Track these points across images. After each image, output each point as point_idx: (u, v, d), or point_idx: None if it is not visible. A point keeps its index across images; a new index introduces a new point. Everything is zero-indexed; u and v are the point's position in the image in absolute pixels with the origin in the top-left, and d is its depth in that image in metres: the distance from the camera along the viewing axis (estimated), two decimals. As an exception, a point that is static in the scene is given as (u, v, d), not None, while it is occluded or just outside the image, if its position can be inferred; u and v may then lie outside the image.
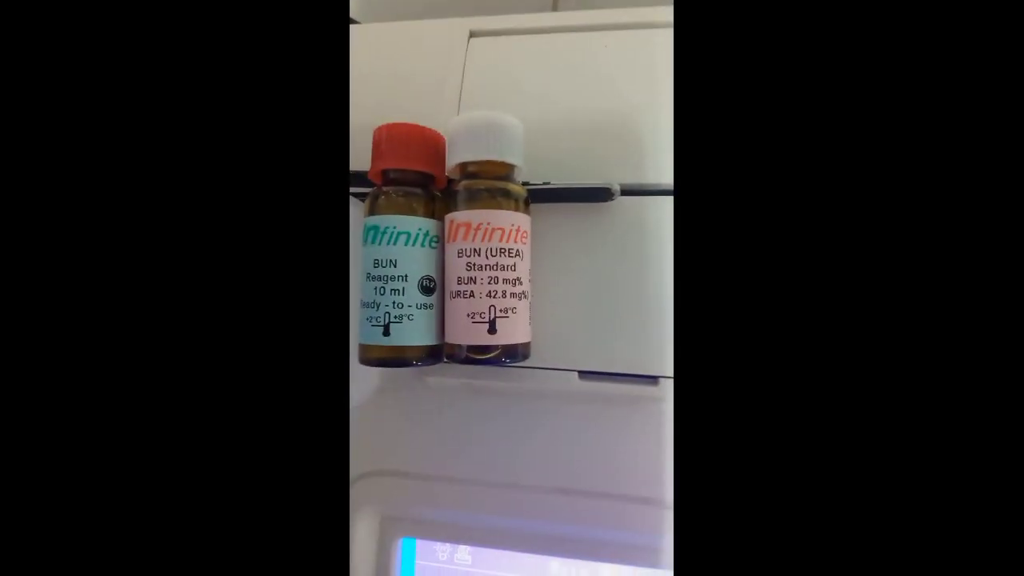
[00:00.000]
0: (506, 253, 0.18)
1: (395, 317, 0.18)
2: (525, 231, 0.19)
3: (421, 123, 0.20)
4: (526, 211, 0.19)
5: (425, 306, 0.19)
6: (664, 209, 0.21)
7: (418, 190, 0.19)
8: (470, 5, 0.36)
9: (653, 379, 0.20)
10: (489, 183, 0.19)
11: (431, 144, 0.20)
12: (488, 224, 0.18)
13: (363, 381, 0.22)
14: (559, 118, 0.22)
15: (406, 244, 0.18)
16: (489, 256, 0.18)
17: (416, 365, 0.19)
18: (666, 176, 0.21)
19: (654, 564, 0.21)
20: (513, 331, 0.18)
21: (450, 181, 0.20)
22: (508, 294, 0.18)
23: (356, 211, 0.20)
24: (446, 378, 0.22)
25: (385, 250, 0.18)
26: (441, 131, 0.20)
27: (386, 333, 0.18)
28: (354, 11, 0.30)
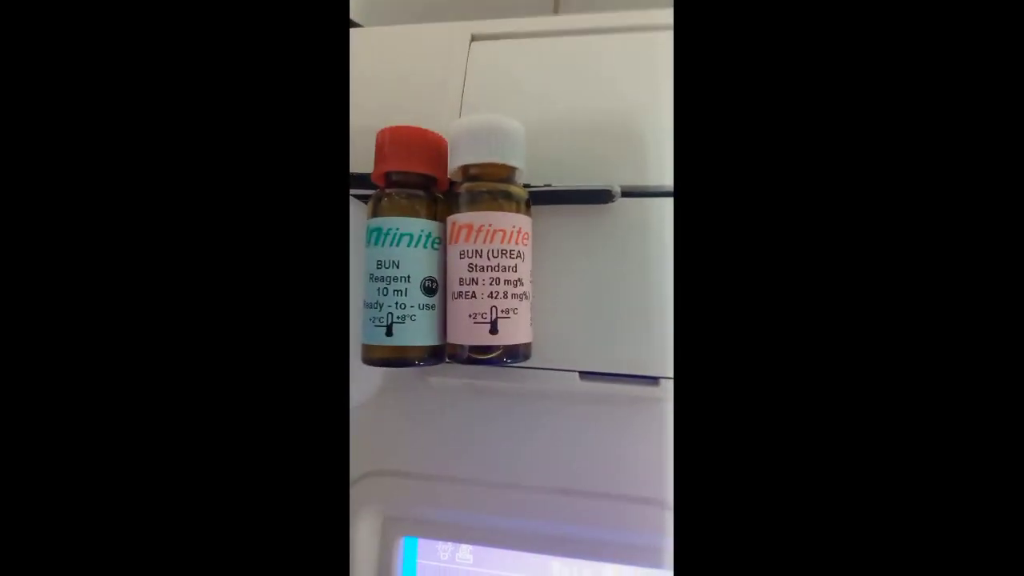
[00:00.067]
0: (507, 254, 0.18)
1: (398, 317, 0.18)
2: (526, 233, 0.19)
3: (423, 126, 0.20)
4: (527, 213, 0.19)
5: (427, 307, 0.19)
6: (664, 210, 0.21)
7: (420, 192, 0.20)
8: (471, 8, 0.36)
9: (654, 380, 0.20)
10: (491, 185, 0.19)
11: (433, 147, 0.20)
12: (490, 226, 0.18)
13: (365, 381, 0.23)
14: (560, 121, 0.22)
15: (409, 245, 0.19)
16: (491, 257, 0.18)
17: (418, 365, 0.19)
18: (666, 178, 0.21)
19: (655, 564, 0.21)
20: (515, 332, 0.18)
21: (452, 183, 0.21)
22: (510, 295, 0.18)
23: (359, 213, 0.20)
24: (448, 378, 0.22)
25: (388, 251, 0.19)
26: (443, 134, 0.20)
27: (389, 333, 0.18)
28: (357, 15, 0.31)
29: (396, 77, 0.24)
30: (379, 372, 0.23)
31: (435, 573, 0.23)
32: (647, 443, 0.20)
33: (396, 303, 0.18)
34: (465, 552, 0.23)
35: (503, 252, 0.18)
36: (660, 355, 0.20)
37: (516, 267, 0.19)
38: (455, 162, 0.19)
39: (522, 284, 0.19)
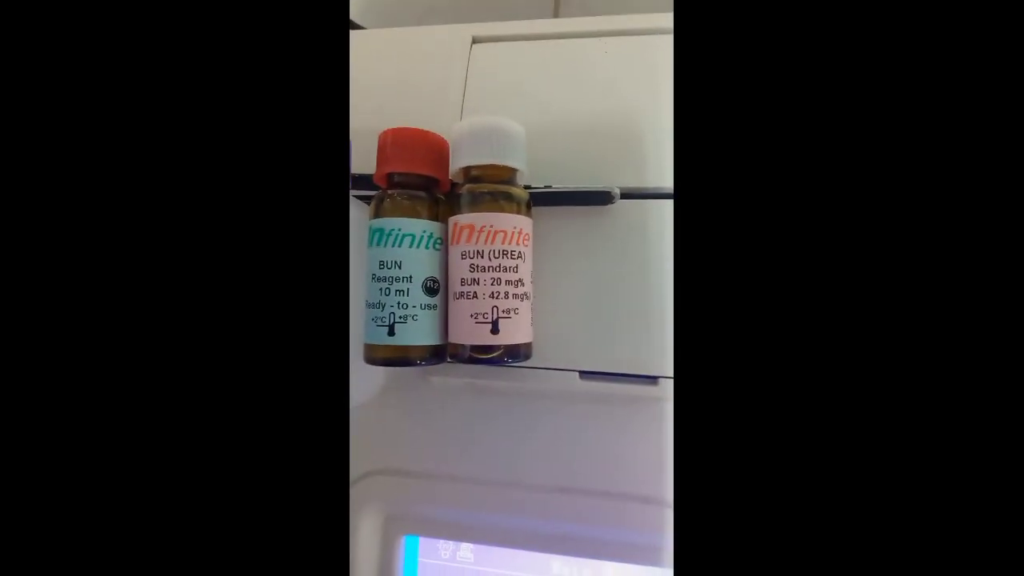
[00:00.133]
0: (508, 255, 0.19)
1: (400, 317, 0.19)
2: (527, 233, 0.19)
3: (425, 127, 0.20)
4: (528, 214, 0.20)
5: (429, 307, 0.19)
6: (663, 212, 0.21)
7: (422, 193, 0.20)
8: (472, 11, 0.36)
9: (653, 379, 0.21)
10: (492, 187, 0.19)
11: (435, 148, 0.20)
12: (491, 227, 0.18)
13: (368, 380, 0.23)
14: (560, 123, 0.22)
15: (411, 246, 0.19)
16: (492, 258, 0.18)
17: (420, 365, 0.19)
18: (665, 180, 0.21)
19: (655, 562, 0.21)
20: (515, 331, 0.19)
21: (454, 184, 0.21)
22: (510, 295, 0.19)
23: (362, 213, 0.21)
24: (449, 378, 0.22)
25: (390, 252, 0.19)
26: (445, 135, 0.21)
27: (391, 333, 0.19)
28: (359, 17, 0.31)
29: (398, 79, 0.24)
30: (381, 371, 0.23)
31: (436, 571, 0.23)
32: (646, 442, 0.21)
33: (398, 303, 0.19)
34: (466, 551, 0.23)
35: (504, 253, 0.18)
36: (659, 355, 0.20)
37: (517, 267, 0.19)
38: (457, 163, 0.20)
39: (523, 284, 0.19)
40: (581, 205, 0.21)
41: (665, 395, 0.20)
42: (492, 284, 0.18)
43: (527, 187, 0.21)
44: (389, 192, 0.20)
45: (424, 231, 0.19)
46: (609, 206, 0.21)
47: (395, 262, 0.19)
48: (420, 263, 0.19)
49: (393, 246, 0.19)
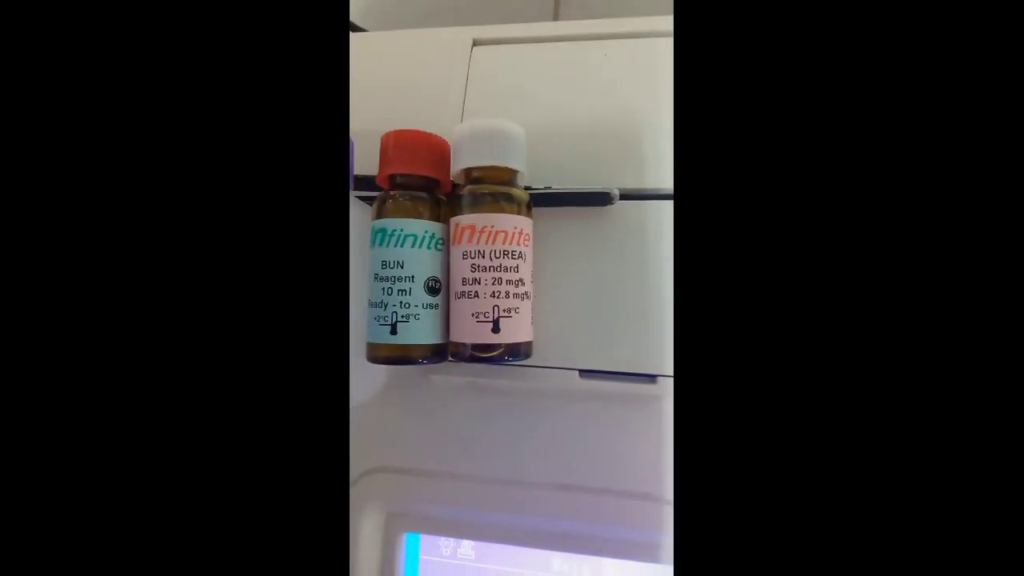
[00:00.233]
0: (509, 255, 0.19)
1: (402, 316, 0.19)
2: (528, 234, 0.20)
3: (426, 129, 0.20)
4: (528, 215, 0.20)
5: (431, 306, 0.19)
6: (662, 213, 0.21)
7: (424, 194, 0.20)
8: (473, 14, 0.37)
9: (651, 378, 0.21)
10: (493, 188, 0.19)
11: (437, 150, 0.20)
12: (492, 227, 0.19)
13: (370, 379, 0.23)
14: (560, 124, 0.23)
15: (413, 246, 0.19)
16: (493, 258, 0.19)
17: (422, 363, 0.20)
18: (664, 181, 0.21)
19: (654, 559, 0.21)
20: (516, 330, 0.19)
21: (455, 185, 0.21)
22: (511, 295, 0.19)
23: (364, 214, 0.21)
24: (450, 376, 0.22)
25: (392, 252, 0.19)
26: (446, 137, 0.21)
27: (393, 332, 0.19)
28: (360, 19, 0.31)
29: (399, 81, 0.25)
30: (383, 370, 0.23)
31: (437, 569, 0.23)
32: (645, 440, 0.21)
33: (400, 302, 0.19)
34: (467, 548, 0.23)
35: (505, 253, 0.19)
36: (658, 354, 0.21)
37: (518, 267, 0.19)
38: (458, 165, 0.20)
39: (523, 284, 0.19)
40: (581, 206, 0.21)
41: (664, 393, 0.21)
42: (493, 284, 0.19)
43: (527, 188, 0.21)
44: (391, 193, 0.20)
45: (426, 231, 0.19)
46: (608, 207, 0.21)
47: (397, 262, 0.19)
48: (422, 263, 0.19)
49: (395, 246, 0.19)
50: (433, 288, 0.19)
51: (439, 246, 0.20)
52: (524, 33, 0.25)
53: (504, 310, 0.19)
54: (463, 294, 0.19)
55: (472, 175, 0.20)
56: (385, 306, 0.19)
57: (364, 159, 0.21)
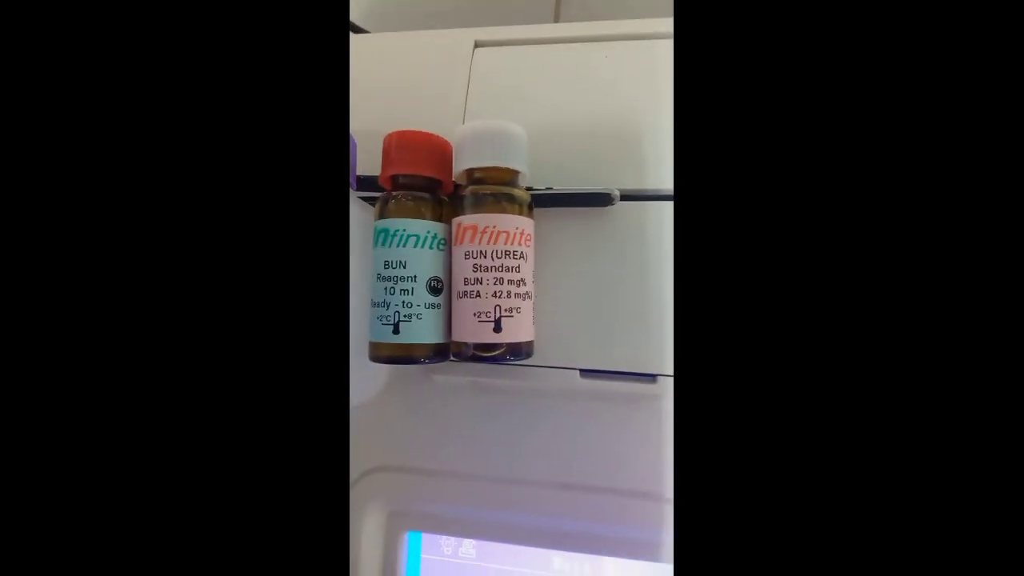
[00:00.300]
0: (511, 255, 0.19)
1: (404, 316, 0.19)
2: (529, 234, 0.20)
3: (428, 130, 0.21)
4: (530, 215, 0.20)
5: (433, 306, 0.19)
6: (662, 214, 0.21)
7: (426, 195, 0.20)
8: (473, 15, 0.37)
9: (652, 377, 0.21)
10: (494, 188, 0.20)
11: (439, 151, 0.21)
12: (494, 227, 0.19)
13: (372, 379, 0.23)
14: (561, 125, 0.23)
15: (415, 246, 0.19)
16: (495, 258, 0.19)
17: (424, 363, 0.20)
18: (664, 182, 0.22)
19: (654, 558, 0.21)
20: (517, 330, 0.19)
21: (457, 186, 0.21)
22: (513, 294, 0.19)
23: (367, 215, 0.21)
24: (452, 376, 0.23)
25: (395, 252, 0.19)
26: (448, 138, 0.21)
27: (396, 331, 0.19)
28: (361, 21, 0.31)
29: (402, 82, 0.25)
30: (385, 369, 0.23)
31: (438, 567, 0.23)
32: (645, 439, 0.21)
33: (403, 302, 0.19)
34: (468, 546, 0.23)
35: (506, 253, 0.19)
36: (658, 353, 0.21)
37: (519, 267, 0.19)
38: (460, 165, 0.20)
39: (525, 284, 0.19)
40: (582, 206, 0.22)
41: (664, 393, 0.21)
42: (495, 283, 0.19)
43: (529, 189, 0.21)
44: (394, 194, 0.20)
45: (428, 232, 0.20)
46: (609, 207, 0.21)
47: (400, 262, 0.19)
48: (424, 263, 0.19)
49: (398, 246, 0.19)
50: (435, 288, 0.20)
51: (441, 246, 0.20)
52: (525, 35, 0.25)
53: (506, 310, 0.19)
54: (465, 294, 0.19)
55: (474, 176, 0.20)
56: (388, 306, 0.19)
57: (367, 160, 0.22)
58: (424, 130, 0.20)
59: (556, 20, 0.38)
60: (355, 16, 0.31)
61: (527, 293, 0.19)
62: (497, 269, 0.19)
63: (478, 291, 0.19)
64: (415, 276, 0.19)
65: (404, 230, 0.19)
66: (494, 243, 0.19)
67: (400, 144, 0.20)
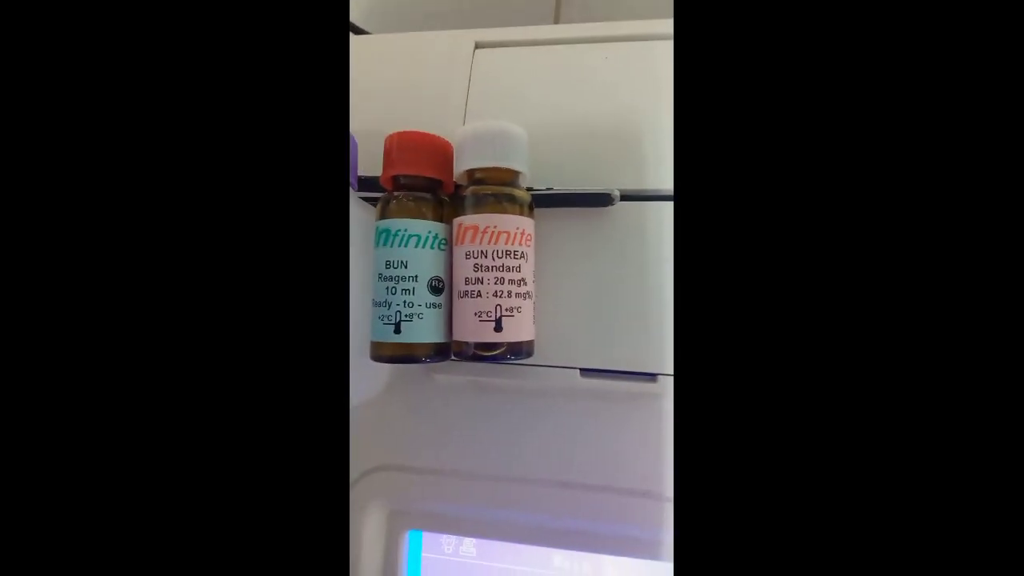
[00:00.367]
0: (511, 255, 0.19)
1: (406, 316, 0.19)
2: (530, 234, 0.20)
3: (429, 130, 0.21)
4: (530, 215, 0.20)
5: (434, 305, 0.20)
6: (662, 214, 0.21)
7: (427, 195, 0.20)
8: (473, 17, 0.37)
9: (652, 376, 0.21)
10: (495, 188, 0.20)
11: (440, 151, 0.21)
12: (494, 227, 0.19)
13: (373, 378, 0.23)
14: (561, 126, 0.23)
15: (416, 246, 0.19)
16: (495, 258, 0.19)
17: (425, 362, 0.20)
18: (664, 182, 0.22)
19: (654, 556, 0.21)
20: (518, 329, 0.19)
21: (458, 186, 0.21)
22: (513, 294, 0.19)
23: (368, 215, 0.21)
24: (453, 375, 0.23)
25: (396, 252, 0.19)
26: (449, 138, 0.21)
27: (397, 331, 0.19)
28: (361, 21, 0.31)
29: (403, 83, 0.25)
30: (386, 369, 0.23)
31: (439, 566, 0.24)
32: (645, 438, 0.21)
33: (404, 302, 0.19)
34: (468, 545, 0.23)
35: (507, 253, 0.19)
36: (658, 353, 0.21)
37: (520, 267, 0.19)
38: (461, 166, 0.20)
39: (525, 284, 0.19)
40: (582, 207, 0.22)
41: (664, 392, 0.21)
42: (496, 283, 0.19)
43: (529, 189, 0.21)
44: (395, 194, 0.20)
45: (429, 232, 0.20)
46: (609, 208, 0.21)
47: (401, 262, 0.19)
48: (425, 263, 0.20)
49: (399, 246, 0.19)
50: (436, 288, 0.20)
51: (442, 246, 0.20)
52: (526, 36, 0.25)
53: (506, 309, 0.19)
54: (466, 293, 0.19)
55: (475, 176, 0.20)
56: (389, 305, 0.19)
57: (368, 160, 0.22)
58: (425, 131, 0.21)
59: (556, 21, 0.38)
60: (355, 17, 0.31)
61: (528, 293, 0.20)
62: (498, 269, 0.19)
63: (479, 291, 0.19)
64: (416, 276, 0.19)
65: (405, 230, 0.19)
66: (495, 243, 0.19)
67: (401, 145, 0.20)
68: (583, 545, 0.22)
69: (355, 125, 0.22)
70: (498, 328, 0.19)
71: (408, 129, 0.21)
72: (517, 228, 0.19)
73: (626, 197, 0.21)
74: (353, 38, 0.27)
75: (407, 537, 0.24)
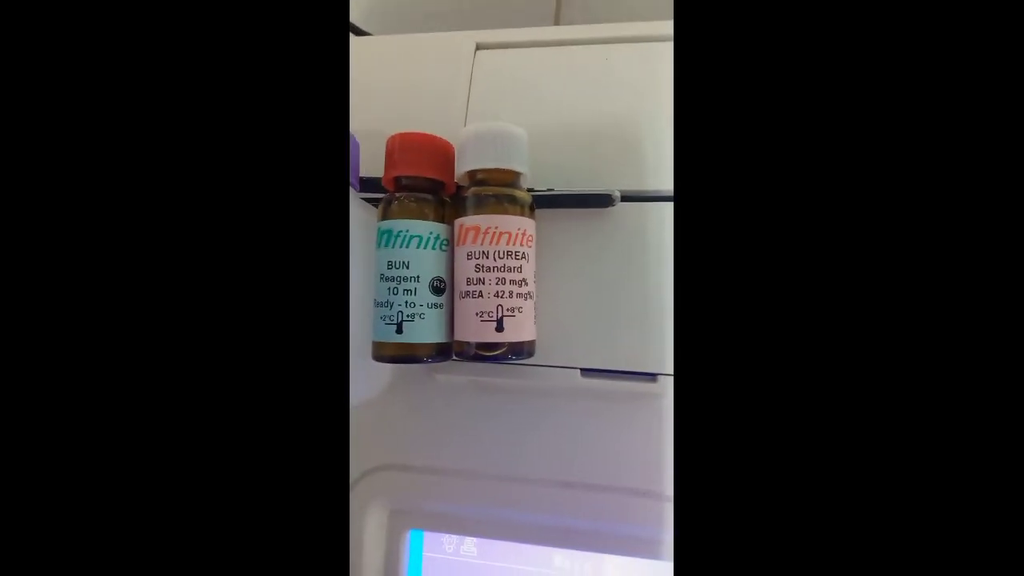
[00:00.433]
0: (513, 256, 0.19)
1: (408, 316, 0.19)
2: (531, 235, 0.20)
3: (431, 131, 0.21)
4: (531, 216, 0.20)
5: (436, 305, 0.20)
6: (662, 214, 0.22)
7: (429, 196, 0.20)
8: (473, 17, 0.37)
9: (652, 376, 0.21)
10: (497, 189, 0.20)
11: (441, 152, 0.21)
12: (496, 228, 0.19)
13: (375, 378, 0.23)
14: (562, 127, 0.23)
15: (418, 247, 0.19)
16: (497, 258, 0.19)
17: (426, 362, 0.20)
18: (664, 183, 0.22)
19: (654, 555, 0.21)
20: (519, 329, 0.19)
21: (459, 187, 0.21)
22: (515, 294, 0.19)
23: (371, 216, 0.21)
24: (454, 375, 0.23)
25: (398, 252, 0.19)
26: (450, 139, 0.21)
27: (399, 331, 0.19)
28: (362, 22, 0.31)
29: (405, 84, 0.25)
30: (388, 369, 0.23)
31: (440, 565, 0.24)
32: (646, 437, 0.21)
33: (406, 302, 0.19)
34: (469, 544, 0.24)
35: (508, 253, 0.19)
36: (658, 352, 0.21)
37: (521, 268, 0.19)
38: (462, 167, 0.20)
39: (527, 284, 0.20)
40: (583, 207, 0.22)
41: (664, 391, 0.21)
42: (497, 284, 0.19)
43: (530, 190, 0.21)
44: (397, 195, 0.20)
45: (431, 232, 0.20)
46: (610, 208, 0.22)
47: (403, 262, 0.19)
48: (427, 263, 0.20)
49: (401, 247, 0.19)
50: (438, 288, 0.20)
51: (444, 247, 0.20)
52: (526, 37, 0.25)
53: (508, 309, 0.19)
54: (468, 294, 0.19)
55: (476, 177, 0.20)
56: (391, 305, 0.19)
57: (370, 161, 0.22)
58: (427, 132, 0.21)
59: (556, 23, 0.38)
60: (354, 17, 0.31)
61: (529, 293, 0.20)
62: (499, 269, 0.19)
63: (481, 291, 0.19)
64: (418, 276, 0.19)
65: (407, 231, 0.19)
66: (496, 244, 0.19)
67: (403, 146, 0.20)
68: (584, 544, 0.22)
69: (357, 126, 0.22)
70: (499, 328, 0.19)
71: (410, 130, 0.21)
72: (518, 229, 0.19)
73: (626, 198, 0.22)
74: (356, 39, 0.27)
75: (408, 536, 0.24)
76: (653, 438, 0.21)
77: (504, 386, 0.23)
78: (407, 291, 0.19)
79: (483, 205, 0.19)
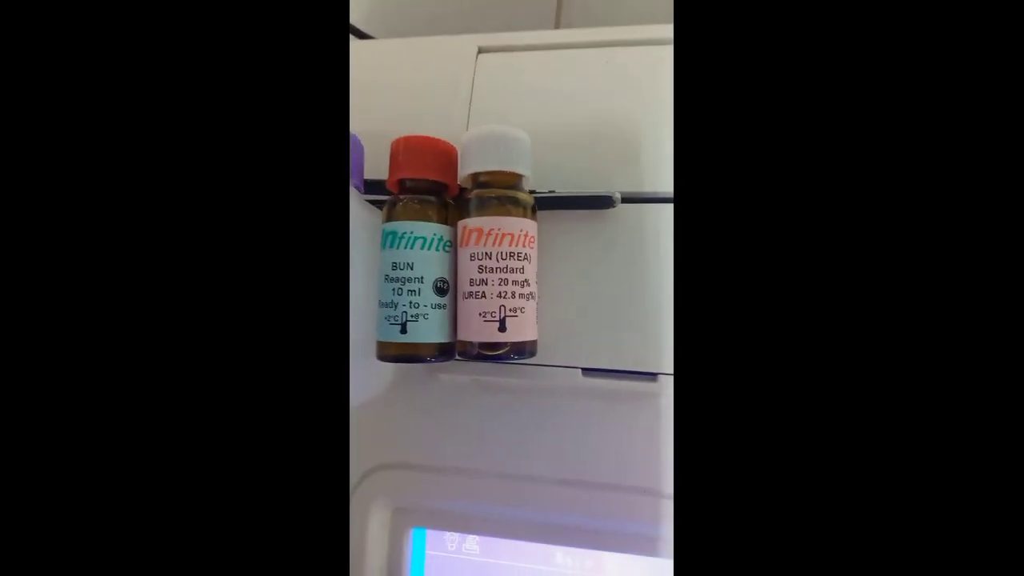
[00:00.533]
0: (515, 256, 0.19)
1: (411, 316, 0.19)
2: (533, 236, 0.20)
3: (433, 134, 0.21)
4: (533, 217, 0.21)
5: (439, 306, 0.20)
6: (662, 216, 0.22)
7: (432, 198, 0.21)
8: (473, 20, 0.37)
9: (652, 375, 0.21)
10: (499, 191, 0.20)
11: (444, 155, 0.21)
12: (498, 230, 0.19)
13: (379, 377, 0.23)
14: (563, 130, 0.23)
15: (422, 248, 0.20)
16: (499, 259, 0.19)
17: (430, 361, 0.20)
18: (664, 185, 0.22)
19: (655, 553, 0.22)
20: (522, 329, 0.19)
21: (462, 189, 0.22)
22: (517, 295, 0.19)
23: (375, 217, 0.21)
24: (457, 374, 0.23)
25: (402, 253, 0.20)
26: (453, 142, 0.21)
27: (403, 331, 0.19)
28: (364, 25, 0.32)
29: (408, 87, 0.25)
30: (391, 368, 0.24)
31: (443, 563, 0.24)
32: (646, 436, 0.21)
33: (410, 302, 0.19)
34: (472, 542, 0.24)
35: (511, 254, 0.19)
36: (658, 352, 0.21)
37: (523, 268, 0.20)
38: (465, 170, 0.21)
39: (529, 285, 0.20)
40: (584, 209, 0.22)
41: (664, 391, 0.21)
42: (500, 284, 0.19)
43: (532, 192, 0.22)
44: (401, 197, 0.21)
45: (434, 234, 0.20)
46: (611, 210, 0.22)
47: (407, 263, 0.20)
48: (431, 264, 0.20)
49: (405, 248, 0.20)
50: (441, 289, 0.20)
51: (447, 248, 0.20)
52: (527, 41, 0.25)
53: (510, 310, 0.19)
54: (470, 294, 0.19)
55: (479, 179, 0.21)
56: (395, 306, 0.20)
57: (374, 164, 0.22)
58: (430, 135, 0.21)
59: (557, 26, 0.38)
60: (355, 19, 0.31)
61: (531, 294, 0.20)
62: (502, 270, 0.19)
63: (483, 292, 0.19)
64: (422, 277, 0.20)
65: (411, 232, 0.20)
66: (499, 245, 0.19)
67: (407, 149, 0.21)
68: (585, 542, 0.22)
69: (362, 129, 0.22)
70: (502, 328, 0.19)
71: (414, 133, 0.21)
72: (520, 230, 0.20)
73: (627, 200, 0.22)
74: (360, 43, 0.28)
75: (411, 534, 0.24)
76: (653, 437, 0.21)
77: (506, 385, 0.23)
78: (411, 292, 0.20)
79: (486, 207, 0.20)
